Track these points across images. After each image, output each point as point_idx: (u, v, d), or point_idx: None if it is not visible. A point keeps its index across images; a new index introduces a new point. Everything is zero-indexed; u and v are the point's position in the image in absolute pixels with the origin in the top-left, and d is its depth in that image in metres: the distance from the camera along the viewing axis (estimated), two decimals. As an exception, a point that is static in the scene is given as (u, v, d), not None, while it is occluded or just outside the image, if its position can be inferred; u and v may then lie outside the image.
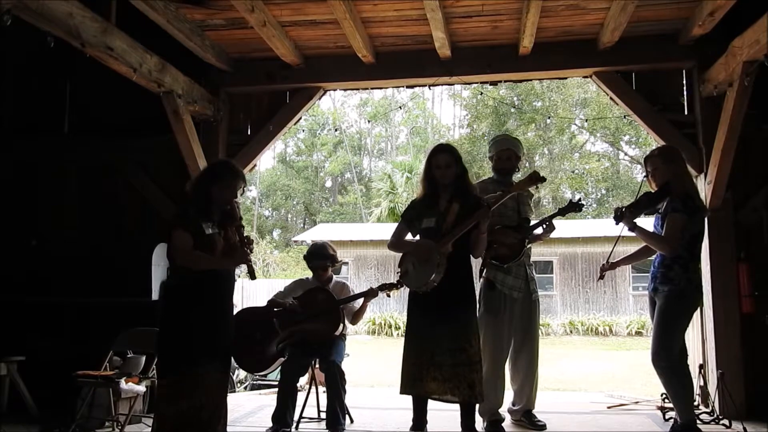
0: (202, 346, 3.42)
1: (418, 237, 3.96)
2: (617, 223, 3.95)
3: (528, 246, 4.40)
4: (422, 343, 3.72)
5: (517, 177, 4.55)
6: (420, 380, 3.69)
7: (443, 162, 3.85)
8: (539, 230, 4.43)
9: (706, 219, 4.08)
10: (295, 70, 5.68)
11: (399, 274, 3.93)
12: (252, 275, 3.58)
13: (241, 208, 3.73)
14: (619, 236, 4.07)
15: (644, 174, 4.14)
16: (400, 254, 4.00)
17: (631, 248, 4.33)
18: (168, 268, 3.59)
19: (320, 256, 4.68)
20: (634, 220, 3.93)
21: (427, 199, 3.94)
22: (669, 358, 3.83)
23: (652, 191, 4.02)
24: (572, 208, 4.31)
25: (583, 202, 4.44)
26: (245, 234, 3.58)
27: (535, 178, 3.93)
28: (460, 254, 3.74)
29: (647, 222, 4.11)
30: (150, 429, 4.67)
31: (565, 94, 27.37)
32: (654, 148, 4.32)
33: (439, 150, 3.94)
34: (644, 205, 3.97)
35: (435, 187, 3.91)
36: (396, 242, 4.00)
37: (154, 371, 4.77)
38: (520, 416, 4.50)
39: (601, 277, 4.29)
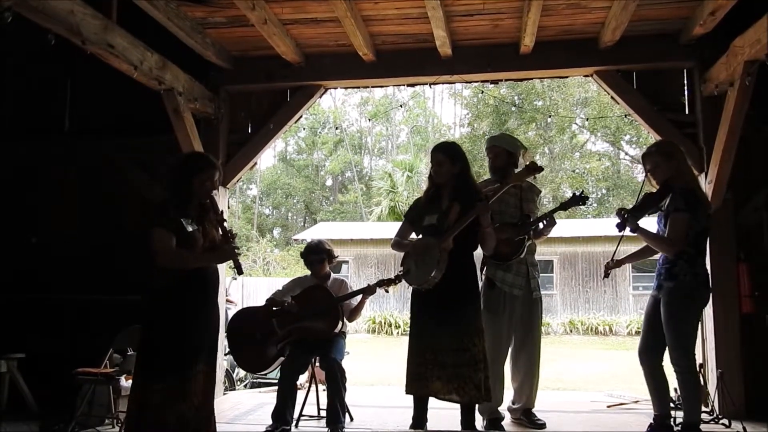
0: (195, 347, 3.41)
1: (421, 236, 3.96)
2: (621, 231, 3.86)
3: (529, 242, 4.37)
4: (425, 342, 3.71)
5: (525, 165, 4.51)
6: (425, 380, 3.68)
7: (435, 160, 3.89)
8: (540, 225, 4.39)
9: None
10: (295, 69, 5.68)
11: (401, 272, 3.92)
12: (239, 270, 3.54)
13: (217, 201, 3.66)
14: (622, 236, 3.96)
15: (644, 172, 4.08)
16: (403, 253, 3.99)
17: (634, 247, 4.28)
18: (153, 268, 3.40)
19: (316, 252, 4.69)
20: (638, 222, 3.86)
21: (429, 197, 3.95)
22: (689, 357, 3.77)
23: (653, 191, 3.97)
24: (576, 201, 4.27)
25: (587, 194, 4.38)
26: (228, 228, 3.54)
27: (532, 169, 3.88)
28: (462, 251, 3.73)
29: (651, 221, 4.08)
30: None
31: (565, 93, 27.35)
32: (651, 144, 4.25)
33: (433, 149, 3.99)
34: (647, 206, 3.89)
35: (437, 186, 3.92)
36: (398, 241, 4.01)
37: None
38: (520, 415, 4.50)
39: (606, 275, 4.22)
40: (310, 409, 4.75)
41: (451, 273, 3.64)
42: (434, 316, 3.71)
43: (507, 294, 4.33)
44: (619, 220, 3.84)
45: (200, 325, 3.44)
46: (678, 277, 3.76)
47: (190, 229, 3.36)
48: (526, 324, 4.43)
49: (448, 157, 3.86)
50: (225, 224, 3.55)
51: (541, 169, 3.91)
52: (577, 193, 4.31)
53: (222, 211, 3.61)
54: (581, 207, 4.41)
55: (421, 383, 3.70)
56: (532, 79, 6.67)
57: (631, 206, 3.94)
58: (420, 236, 3.97)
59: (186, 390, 3.35)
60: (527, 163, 4.13)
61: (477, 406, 3.89)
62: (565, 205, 4.36)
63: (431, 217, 3.84)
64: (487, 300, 4.29)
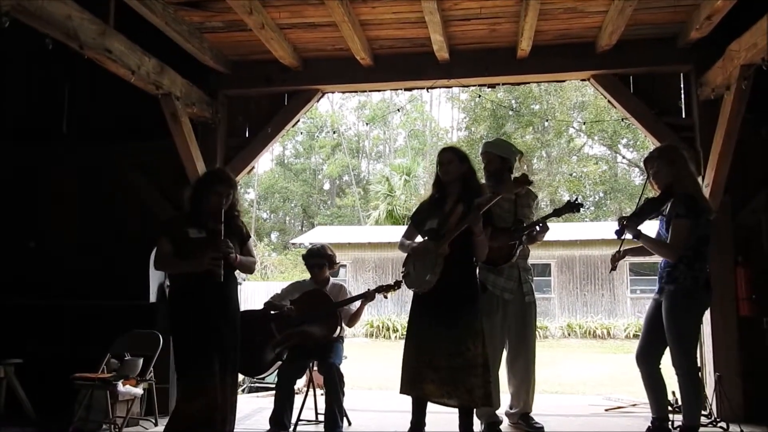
0: (199, 347, 3.49)
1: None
2: (620, 237, 3.85)
3: (521, 247, 4.36)
4: (421, 344, 3.70)
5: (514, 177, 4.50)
6: (419, 381, 3.67)
7: (445, 159, 3.89)
8: (534, 231, 4.38)
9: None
10: (293, 73, 5.68)
11: (402, 274, 3.93)
12: (215, 276, 3.56)
13: (236, 211, 3.81)
14: (623, 240, 3.94)
15: (645, 177, 4.07)
16: (404, 256, 3.99)
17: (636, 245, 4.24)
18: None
19: (317, 256, 4.71)
20: (638, 228, 3.85)
21: (433, 200, 3.96)
22: (689, 359, 3.77)
23: (654, 195, 3.96)
24: (570, 208, 4.24)
25: (581, 201, 4.36)
26: (223, 239, 3.59)
27: (522, 181, 3.84)
28: (460, 256, 3.72)
29: (652, 224, 4.06)
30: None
31: (563, 97, 27.40)
32: (654, 148, 4.25)
33: (442, 149, 4.00)
34: (647, 212, 3.89)
35: (442, 189, 3.93)
36: (402, 243, 4.00)
37: (152, 374, 4.80)
38: (518, 419, 4.50)
39: (614, 268, 4.09)
40: (308, 414, 4.75)
41: (449, 277, 3.64)
42: (431, 319, 3.70)
43: (499, 297, 4.33)
44: (618, 227, 3.84)
45: (204, 327, 3.54)
46: (678, 280, 3.78)
47: (194, 236, 3.60)
48: (520, 328, 4.43)
49: (456, 156, 3.89)
50: (219, 234, 3.59)
51: (530, 182, 3.88)
52: (572, 200, 4.28)
53: (221, 221, 3.63)
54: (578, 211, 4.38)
55: (415, 384, 3.69)
56: (529, 83, 6.69)
57: (631, 212, 3.93)
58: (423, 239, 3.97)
59: (195, 389, 3.47)
60: (523, 168, 4.13)
61: (475, 410, 3.88)
62: (559, 212, 4.34)
63: (432, 221, 3.84)
64: (480, 303, 4.27)
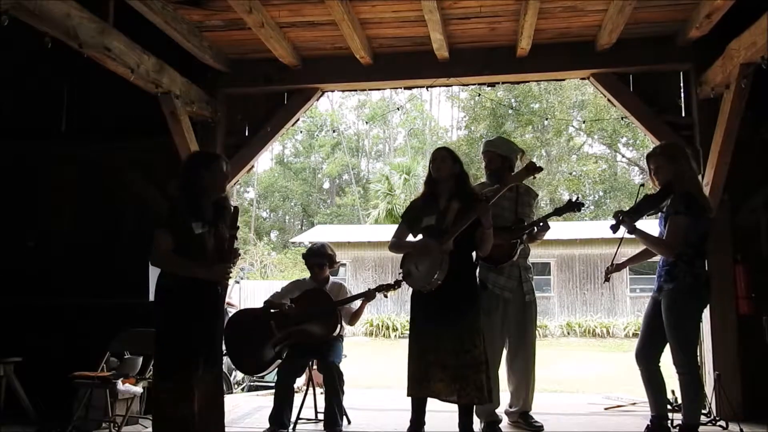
0: (197, 349, 3.40)
1: (419, 237, 3.94)
2: (615, 232, 3.85)
3: (522, 246, 4.36)
4: (426, 343, 3.70)
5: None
6: (427, 381, 3.67)
7: (438, 156, 3.91)
8: (534, 230, 4.37)
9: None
10: (293, 72, 5.68)
11: (401, 275, 3.91)
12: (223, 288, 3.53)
13: (239, 215, 3.63)
14: (622, 239, 3.95)
15: (645, 174, 4.08)
16: (401, 255, 3.98)
17: (634, 250, 4.27)
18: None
19: (318, 255, 4.72)
20: (635, 224, 3.84)
21: (426, 199, 3.95)
22: (690, 358, 3.77)
23: (654, 192, 3.96)
24: (571, 207, 4.24)
25: (582, 201, 4.36)
26: (235, 246, 3.48)
27: (531, 169, 3.84)
28: (462, 252, 3.73)
29: (653, 223, 4.06)
30: (147, 430, 4.71)
31: (562, 96, 27.41)
32: (657, 145, 4.25)
33: (437, 148, 4.03)
34: (645, 208, 3.89)
35: (435, 188, 3.93)
36: (397, 243, 3.98)
37: (151, 372, 4.78)
38: (517, 417, 4.50)
39: (607, 279, 4.18)
40: (308, 413, 4.74)
41: (451, 274, 3.63)
42: (435, 318, 3.70)
43: (499, 296, 4.33)
44: (614, 222, 3.84)
45: (201, 328, 3.41)
46: (678, 278, 3.76)
47: (198, 231, 3.36)
48: (520, 327, 4.42)
49: (450, 155, 3.91)
50: (233, 241, 3.47)
51: (540, 169, 3.86)
52: (573, 199, 4.28)
53: (237, 227, 3.52)
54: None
55: (423, 385, 3.69)
56: (528, 81, 6.68)
57: (628, 208, 3.94)
58: (419, 237, 3.95)
59: (187, 392, 3.34)
60: (526, 163, 4.12)
61: (475, 408, 3.89)
62: (560, 211, 4.35)
63: (429, 218, 3.83)
64: (480, 301, 4.27)
